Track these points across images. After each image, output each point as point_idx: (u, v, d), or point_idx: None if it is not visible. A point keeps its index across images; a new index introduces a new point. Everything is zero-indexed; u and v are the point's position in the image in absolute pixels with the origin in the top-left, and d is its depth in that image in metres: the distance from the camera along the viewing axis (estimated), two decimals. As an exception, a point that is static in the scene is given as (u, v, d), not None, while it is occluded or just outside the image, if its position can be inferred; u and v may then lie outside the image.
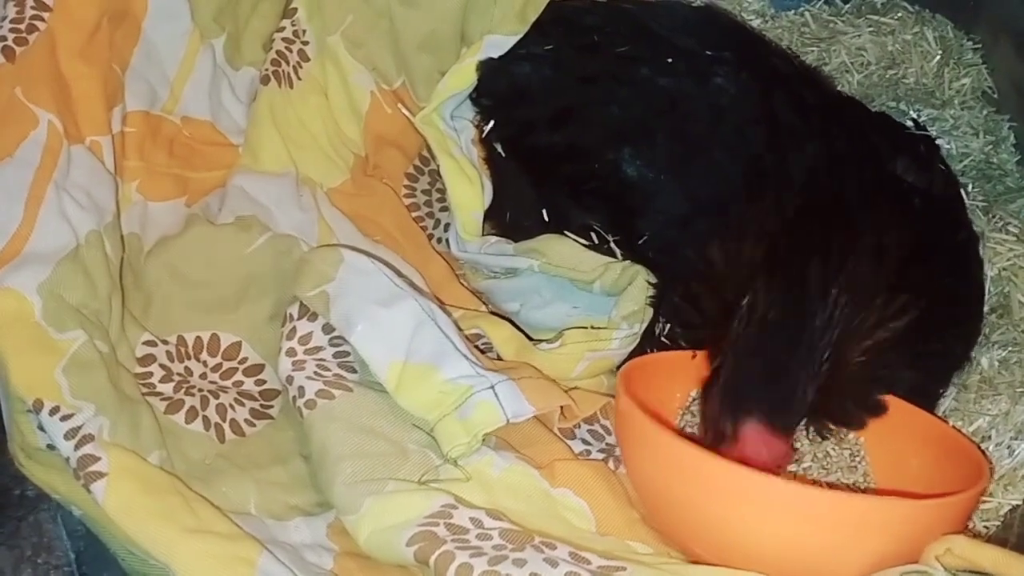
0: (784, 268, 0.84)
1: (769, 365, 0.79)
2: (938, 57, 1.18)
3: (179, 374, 0.88)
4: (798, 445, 0.89)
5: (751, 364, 0.80)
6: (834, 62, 1.20)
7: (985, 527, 0.88)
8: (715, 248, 0.91)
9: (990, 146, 1.13)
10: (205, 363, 0.91)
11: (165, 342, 0.90)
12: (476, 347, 0.91)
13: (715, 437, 0.80)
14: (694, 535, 0.77)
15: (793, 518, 0.72)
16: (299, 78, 1.07)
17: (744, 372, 0.80)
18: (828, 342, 0.80)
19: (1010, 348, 0.96)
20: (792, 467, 0.88)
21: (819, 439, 0.90)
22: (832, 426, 0.89)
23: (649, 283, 0.96)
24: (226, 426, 0.86)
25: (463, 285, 1.02)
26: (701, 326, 0.92)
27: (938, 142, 1.10)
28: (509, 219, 1.06)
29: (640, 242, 0.99)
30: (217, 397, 0.87)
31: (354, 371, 0.85)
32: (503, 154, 1.05)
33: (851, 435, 0.91)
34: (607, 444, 0.89)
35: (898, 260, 0.85)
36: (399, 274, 0.88)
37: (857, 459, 0.90)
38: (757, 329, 0.81)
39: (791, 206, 0.89)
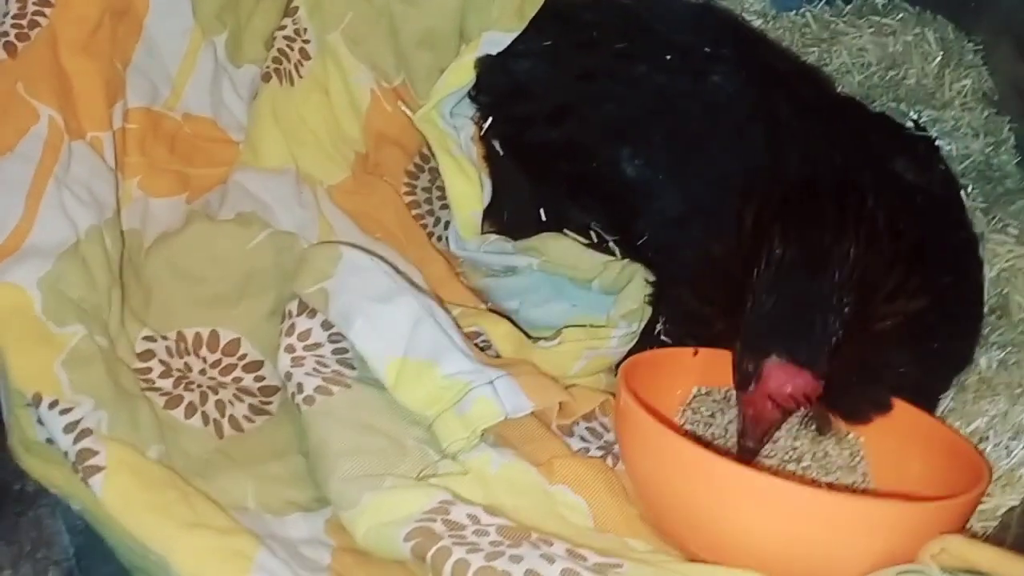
0: (798, 216, 0.83)
1: (788, 301, 0.78)
2: (939, 58, 1.18)
3: (178, 370, 0.88)
4: (797, 444, 0.90)
5: (770, 302, 0.79)
6: (835, 63, 1.20)
7: (983, 527, 0.87)
8: (714, 242, 0.91)
9: (990, 147, 1.13)
10: (204, 359, 0.91)
11: (165, 338, 0.90)
12: (475, 344, 0.91)
13: (740, 379, 0.80)
14: (692, 533, 0.77)
15: (790, 517, 0.72)
16: (300, 76, 1.07)
17: (764, 311, 0.79)
18: (848, 279, 0.78)
19: (1009, 349, 0.96)
20: (791, 467, 0.88)
21: (819, 439, 0.90)
22: (837, 419, 0.88)
23: (648, 281, 0.97)
24: (225, 422, 0.86)
25: (462, 283, 1.02)
26: (705, 318, 0.92)
27: (938, 143, 1.11)
28: (508, 217, 1.06)
29: (639, 242, 0.99)
30: (216, 393, 0.87)
31: (353, 368, 0.85)
32: (502, 152, 1.05)
33: (850, 435, 0.91)
34: (606, 441, 0.89)
35: (906, 245, 0.85)
36: (398, 271, 0.88)
37: (856, 459, 0.90)
38: (775, 269, 0.80)
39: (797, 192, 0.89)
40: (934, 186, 1.00)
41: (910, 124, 1.12)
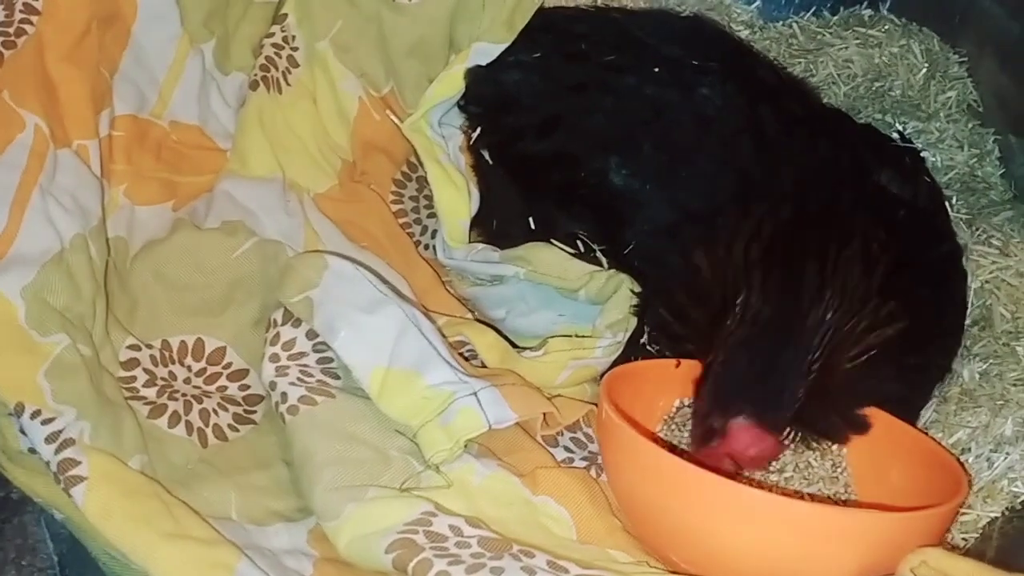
0: (780, 268, 0.84)
1: (760, 362, 0.80)
2: (924, 70, 1.19)
3: (163, 379, 0.88)
4: (780, 455, 0.90)
5: (742, 361, 0.80)
6: (821, 74, 1.21)
7: (964, 539, 0.88)
8: (700, 254, 0.91)
9: (975, 159, 1.14)
10: (189, 368, 0.91)
11: (149, 346, 0.90)
12: (460, 354, 0.91)
13: (704, 433, 0.81)
14: (674, 544, 0.78)
15: (771, 529, 0.72)
16: (288, 84, 1.07)
17: (735, 368, 0.81)
18: (820, 343, 0.80)
19: (991, 360, 0.96)
20: (774, 477, 0.88)
21: (801, 449, 0.90)
22: (815, 438, 0.89)
23: (633, 292, 0.97)
24: (209, 431, 0.86)
25: (449, 292, 1.02)
26: (686, 336, 0.93)
27: (923, 155, 1.11)
28: (496, 226, 1.06)
29: (626, 251, 1.00)
30: (200, 402, 0.87)
31: (337, 377, 0.85)
32: (490, 161, 1.06)
33: (833, 446, 0.91)
34: (590, 452, 0.90)
35: (885, 268, 0.86)
36: (383, 280, 0.88)
37: (839, 470, 0.91)
38: (750, 326, 0.81)
39: (784, 212, 0.90)
40: (919, 198, 1.00)
41: (895, 136, 1.13)
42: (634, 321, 0.96)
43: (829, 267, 0.83)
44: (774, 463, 0.89)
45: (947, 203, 1.07)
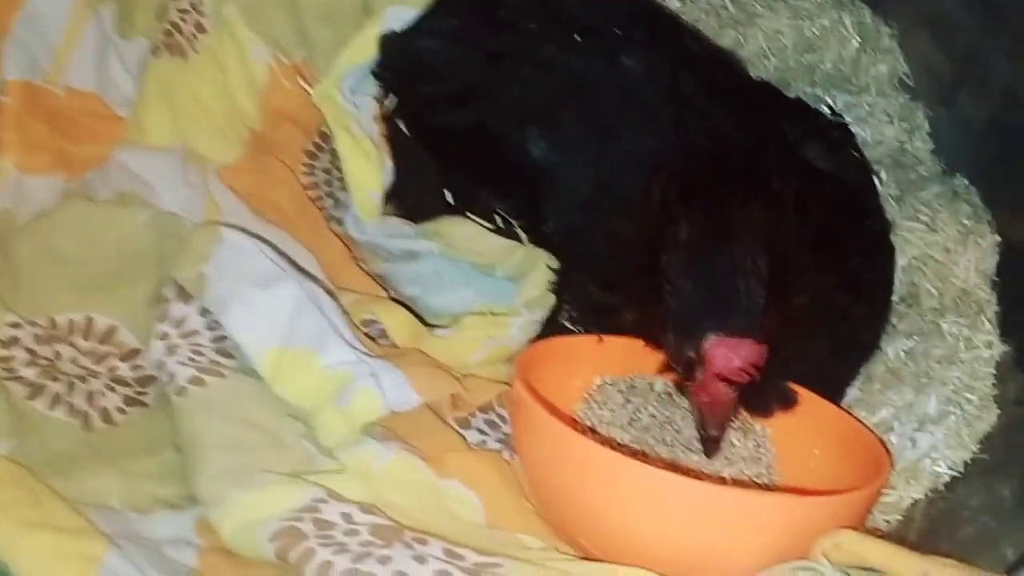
0: (702, 194, 0.81)
1: (706, 277, 0.76)
2: (856, 43, 1.16)
3: (46, 358, 0.83)
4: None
5: (689, 283, 0.77)
6: (751, 46, 1.18)
7: (886, 521, 0.86)
8: (622, 224, 0.88)
9: (905, 134, 1.11)
10: (77, 347, 0.86)
11: (33, 324, 0.84)
12: (367, 334, 0.87)
13: (685, 368, 0.77)
14: (583, 529, 0.74)
15: (681, 512, 0.69)
16: (195, 50, 1.01)
17: (685, 294, 0.77)
18: (758, 243, 0.76)
19: (916, 338, 0.94)
20: (694, 458, 0.85)
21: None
22: (742, 411, 0.86)
23: (552, 268, 0.93)
24: (95, 413, 0.81)
25: (361, 269, 0.98)
26: (607, 313, 0.89)
27: (853, 129, 1.09)
28: (411, 201, 1.02)
29: (546, 227, 0.96)
30: (86, 383, 0.82)
31: (232, 357, 0.81)
32: (406, 132, 1.01)
33: (757, 426, 0.88)
34: (504, 434, 0.86)
35: (815, 226, 0.82)
36: (281, 254, 0.84)
37: (761, 450, 0.88)
38: (685, 249, 0.78)
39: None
40: (846, 173, 0.98)
41: (825, 110, 1.10)
42: (552, 299, 0.93)
43: (757, 188, 0.81)
44: (695, 443, 0.87)
45: (876, 178, 1.05)
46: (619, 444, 0.84)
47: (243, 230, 0.85)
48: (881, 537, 0.69)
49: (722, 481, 0.83)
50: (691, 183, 0.82)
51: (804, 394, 0.86)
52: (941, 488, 0.87)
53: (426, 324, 0.92)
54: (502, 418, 0.88)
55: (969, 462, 0.87)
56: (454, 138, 0.99)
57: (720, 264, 0.76)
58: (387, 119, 1.02)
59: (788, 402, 0.85)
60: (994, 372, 0.92)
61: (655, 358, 0.85)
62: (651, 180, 0.85)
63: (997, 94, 1.04)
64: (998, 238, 1.00)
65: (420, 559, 0.64)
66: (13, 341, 0.82)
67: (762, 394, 0.84)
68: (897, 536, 0.81)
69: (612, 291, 0.89)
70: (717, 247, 0.76)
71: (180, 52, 1.00)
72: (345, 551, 0.64)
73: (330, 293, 0.85)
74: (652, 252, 0.80)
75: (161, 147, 0.96)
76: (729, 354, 0.74)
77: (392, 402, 0.76)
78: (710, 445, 0.81)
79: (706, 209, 0.79)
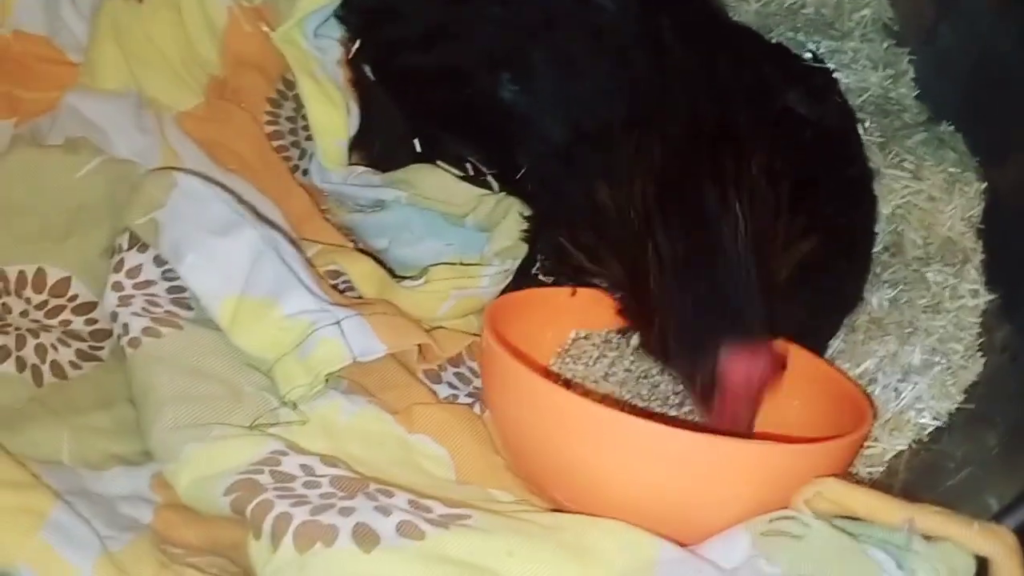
0: (677, 202, 0.77)
1: (702, 295, 0.73)
2: (839, -14, 1.13)
3: (-6, 311, 0.79)
4: (680, 389, 0.84)
5: (685, 305, 0.74)
6: (732, -12, 1.15)
7: (869, 473, 0.84)
8: (603, 190, 0.84)
9: (889, 80, 1.08)
10: (28, 300, 0.82)
11: (-19, 276, 0.81)
12: (335, 286, 0.84)
13: (704, 389, 0.73)
14: (557, 482, 0.72)
15: (658, 462, 0.66)
16: (150, -9, 0.97)
17: (683, 316, 0.74)
18: (745, 246, 0.74)
19: (900, 287, 0.92)
20: (672, 412, 0.83)
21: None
22: None
23: (524, 217, 0.90)
24: (45, 368, 0.77)
25: (327, 220, 0.94)
26: (594, 269, 0.86)
27: (836, 75, 1.06)
28: (378, 148, 0.98)
29: (518, 175, 0.92)
30: (37, 336, 0.78)
31: (189, 308, 0.77)
32: (372, 77, 0.97)
33: (736, 379, 0.86)
34: (475, 387, 0.83)
35: (791, 184, 0.79)
36: (240, 200, 0.80)
37: (740, 403, 0.85)
38: (671, 273, 0.75)
39: (676, 136, 0.83)
40: (828, 119, 0.95)
41: (808, 55, 1.07)
42: (525, 248, 0.89)
43: (730, 184, 0.77)
44: (673, 397, 0.84)
45: (860, 126, 1.02)
46: (596, 395, 0.81)
47: (199, 175, 0.81)
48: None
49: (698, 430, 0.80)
50: (666, 184, 0.79)
51: (785, 346, 0.83)
52: (925, 439, 0.85)
53: (394, 275, 0.89)
54: (473, 371, 0.85)
55: (954, 412, 0.86)
56: (421, 82, 0.95)
57: (716, 282, 0.73)
58: (352, 63, 0.98)
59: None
60: (979, 321, 0.90)
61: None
62: (631, 166, 0.81)
63: (982, 39, 1.01)
64: (984, 185, 0.97)
65: (384, 510, 0.61)
66: (-42, 293, 0.78)
67: None
68: (881, 488, 0.78)
69: (590, 257, 0.86)
70: (710, 265, 0.73)
71: (135, -7, 0.96)
72: (304, 503, 0.60)
73: (293, 243, 0.81)
74: (634, 244, 0.78)
75: (114, 92, 0.92)
76: (749, 363, 0.71)
77: (356, 351, 0.73)
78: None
79: (685, 221, 0.76)
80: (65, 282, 0.83)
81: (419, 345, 0.80)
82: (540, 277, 0.91)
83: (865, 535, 0.62)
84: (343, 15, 0.98)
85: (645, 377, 0.85)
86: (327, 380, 0.73)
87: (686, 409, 0.83)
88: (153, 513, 0.68)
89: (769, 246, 0.75)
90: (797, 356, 0.83)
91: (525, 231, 0.90)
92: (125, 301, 0.76)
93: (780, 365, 0.73)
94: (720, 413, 0.73)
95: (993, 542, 0.61)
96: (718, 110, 0.85)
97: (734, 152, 0.79)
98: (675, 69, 0.88)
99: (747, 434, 0.74)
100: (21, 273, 0.82)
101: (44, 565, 0.59)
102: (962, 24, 1.03)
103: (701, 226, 0.75)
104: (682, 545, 0.65)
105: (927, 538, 0.62)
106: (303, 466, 0.65)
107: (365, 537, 0.59)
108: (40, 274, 0.83)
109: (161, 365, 0.72)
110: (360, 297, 0.85)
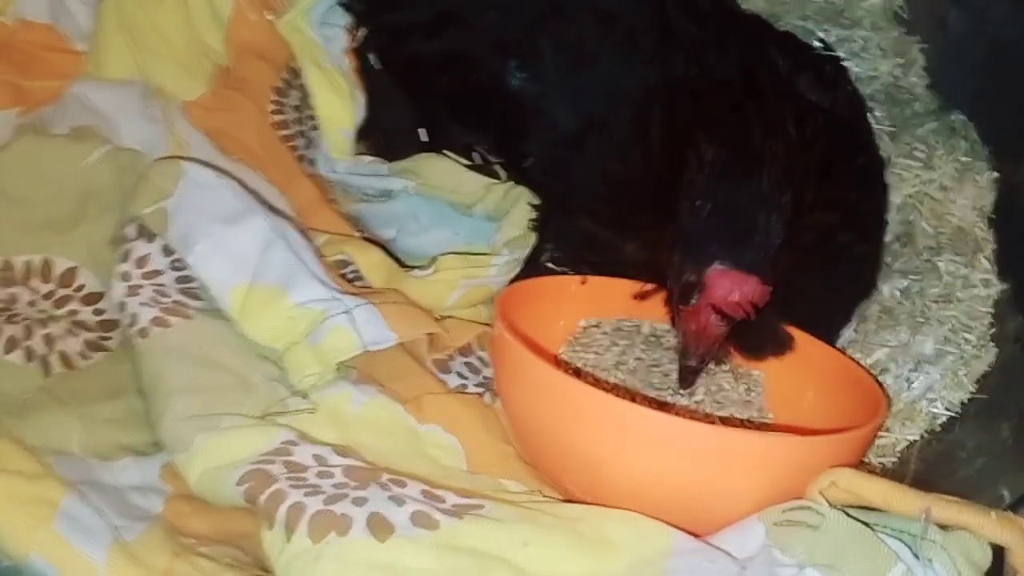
0: (720, 116, 0.77)
1: (727, 205, 0.72)
2: (847, -26, 1.13)
3: (2, 301, 0.79)
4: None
5: (707, 207, 0.73)
6: (741, -22, 1.14)
7: (881, 463, 0.84)
8: (616, 161, 0.84)
9: (899, 68, 1.08)
10: (35, 290, 0.82)
11: (-12, 266, 0.80)
12: (343, 275, 0.83)
13: (682, 291, 0.73)
14: (569, 472, 0.71)
15: (671, 453, 0.66)
16: (155, -20, 0.96)
17: (702, 217, 0.73)
18: (782, 177, 0.73)
19: (911, 277, 0.91)
20: (683, 401, 0.82)
21: (714, 372, 0.84)
22: (736, 353, 0.83)
23: (533, 205, 0.89)
24: (54, 358, 0.77)
25: (334, 210, 0.94)
26: (603, 250, 0.86)
27: (846, 64, 1.05)
28: (385, 138, 0.97)
29: (526, 163, 0.92)
30: (45, 327, 0.78)
31: (198, 298, 0.77)
32: (377, 65, 0.96)
33: (748, 369, 0.85)
34: (485, 377, 0.83)
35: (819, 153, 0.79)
36: (248, 189, 0.79)
37: (753, 394, 0.85)
38: (708, 172, 0.74)
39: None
40: (838, 107, 0.94)
41: (818, 44, 1.07)
42: (533, 237, 0.89)
43: (770, 112, 0.77)
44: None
45: (870, 115, 1.01)
46: (607, 384, 0.81)
47: (208, 164, 0.80)
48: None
49: (713, 423, 0.80)
50: (701, 109, 0.78)
51: (797, 335, 0.83)
52: (938, 429, 0.85)
53: (403, 265, 0.88)
54: (482, 361, 0.85)
55: (966, 402, 0.85)
56: (428, 70, 0.95)
57: (747, 192, 0.72)
58: (358, 51, 0.97)
59: (783, 346, 0.82)
60: (991, 311, 0.90)
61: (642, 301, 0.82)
62: (643, 116, 0.81)
63: (994, 28, 1.01)
64: (996, 175, 0.97)
65: (397, 500, 0.60)
66: (-35, 283, 0.78)
67: (758, 336, 0.81)
68: (893, 477, 0.78)
69: (610, 227, 0.85)
70: (747, 174, 0.72)
71: (140, -18, 0.95)
72: (318, 493, 0.60)
73: (302, 232, 0.80)
74: (659, 183, 0.77)
75: (119, 80, 0.92)
76: (731, 286, 0.71)
77: (367, 340, 0.72)
78: (686, 376, 0.78)
79: (731, 133, 0.75)
80: (72, 272, 0.83)
81: (429, 334, 0.79)
82: (549, 265, 0.91)
83: (881, 525, 0.62)
84: (348, 2, 0.97)
85: (656, 366, 0.85)
86: (338, 369, 0.73)
87: (698, 398, 0.83)
88: (164, 503, 0.68)
89: (803, 194, 0.74)
90: (811, 346, 0.83)
91: (534, 220, 0.89)
92: (133, 291, 0.76)
93: (760, 303, 0.72)
94: (688, 321, 0.74)
95: (1010, 531, 0.60)
96: (731, 96, 0.84)
97: (772, 105, 0.79)
98: (687, 55, 0.88)
99: (704, 358, 0.76)
100: (28, 263, 0.82)
101: (57, 555, 0.59)
102: (974, 13, 1.03)
103: (743, 137, 0.74)
104: (695, 536, 0.65)
105: (943, 527, 0.61)
106: (315, 456, 0.65)
107: (379, 527, 0.58)
108: (47, 264, 0.82)
109: (170, 355, 0.71)
110: (369, 287, 0.84)
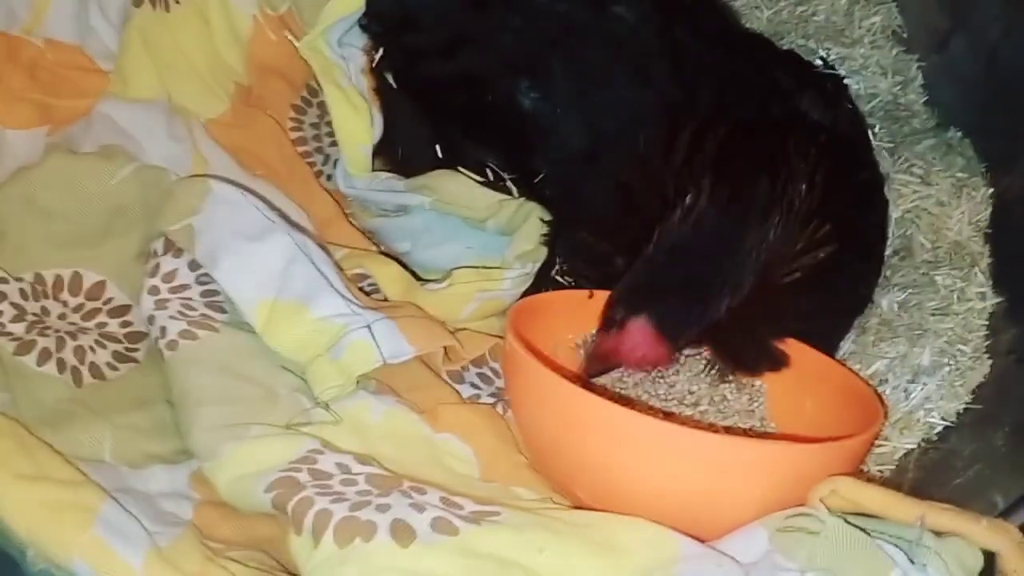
0: (732, 176, 0.79)
1: (688, 268, 0.76)
2: (849, -6, 1.15)
3: (34, 314, 0.81)
4: (695, 388, 0.87)
5: (671, 261, 0.76)
6: (744, -3, 1.17)
7: (880, 471, 0.86)
8: (627, 170, 0.87)
9: (898, 86, 1.11)
10: (65, 303, 0.84)
11: (19, 279, 0.83)
12: (361, 288, 0.86)
13: (606, 320, 0.77)
14: (579, 481, 0.74)
15: (676, 462, 0.69)
16: (177, 1, 0.99)
17: (660, 266, 0.76)
18: (754, 267, 0.76)
19: (910, 290, 0.94)
20: (688, 411, 0.85)
21: (717, 383, 0.87)
22: (731, 369, 0.86)
23: (544, 221, 0.92)
24: (84, 369, 0.79)
25: (351, 224, 0.97)
26: (601, 263, 0.89)
27: (846, 81, 1.08)
28: (401, 155, 1.00)
29: (537, 179, 0.95)
30: (76, 339, 0.81)
31: (223, 311, 0.80)
32: (394, 85, 0.99)
33: (751, 379, 0.88)
34: (498, 388, 0.86)
35: (822, 191, 0.82)
36: (271, 207, 0.82)
37: (755, 404, 0.88)
38: (691, 228, 0.76)
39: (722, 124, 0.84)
40: (839, 124, 0.97)
41: (819, 62, 1.09)
42: (545, 251, 0.92)
43: (780, 183, 0.79)
44: (689, 396, 0.86)
45: (870, 131, 1.04)
46: (614, 395, 0.84)
47: (232, 182, 0.83)
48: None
49: (716, 431, 0.83)
50: (720, 153, 0.80)
51: (797, 346, 0.85)
52: (934, 438, 0.87)
53: (418, 278, 0.91)
54: (495, 372, 0.87)
55: (962, 412, 0.87)
56: (443, 90, 0.97)
57: (709, 271, 0.75)
58: (375, 71, 1.00)
59: (778, 363, 0.84)
60: (987, 323, 0.92)
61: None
62: (667, 145, 0.83)
63: (991, 46, 1.03)
64: (991, 191, 0.99)
65: (418, 507, 0.63)
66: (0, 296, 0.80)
67: (752, 354, 0.84)
68: (891, 485, 0.80)
69: (603, 237, 0.88)
70: (720, 252, 0.76)
71: (163, 3, 0.98)
72: (343, 500, 0.63)
73: (322, 248, 0.83)
74: (663, 200, 0.79)
75: (144, 99, 0.94)
76: (641, 347, 0.75)
77: (386, 353, 0.75)
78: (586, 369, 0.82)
79: (730, 195, 0.77)
80: (100, 286, 0.85)
81: (444, 347, 0.82)
82: (560, 280, 0.94)
83: (878, 531, 0.64)
84: (366, 24, 1.00)
85: (662, 377, 0.87)
86: (357, 381, 0.76)
87: (702, 408, 0.86)
88: (193, 510, 0.71)
89: (782, 264, 0.77)
90: (810, 357, 0.86)
91: (545, 235, 0.92)
92: (161, 304, 0.79)
93: (656, 366, 0.78)
94: (599, 342, 0.78)
95: (1000, 537, 0.63)
96: (748, 111, 0.87)
97: (784, 148, 0.81)
98: (695, 75, 0.90)
99: (595, 375, 0.81)
100: (58, 277, 0.85)
101: (98, 559, 0.61)
102: (972, 32, 1.05)
103: (740, 212, 0.76)
104: (700, 541, 0.68)
105: (937, 534, 0.64)
106: (339, 464, 0.68)
107: (402, 532, 0.61)
108: (76, 278, 0.85)
109: (198, 367, 0.74)
110: (386, 299, 0.87)
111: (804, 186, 0.79)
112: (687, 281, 0.76)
